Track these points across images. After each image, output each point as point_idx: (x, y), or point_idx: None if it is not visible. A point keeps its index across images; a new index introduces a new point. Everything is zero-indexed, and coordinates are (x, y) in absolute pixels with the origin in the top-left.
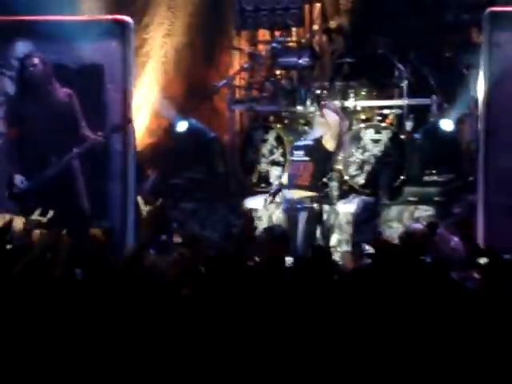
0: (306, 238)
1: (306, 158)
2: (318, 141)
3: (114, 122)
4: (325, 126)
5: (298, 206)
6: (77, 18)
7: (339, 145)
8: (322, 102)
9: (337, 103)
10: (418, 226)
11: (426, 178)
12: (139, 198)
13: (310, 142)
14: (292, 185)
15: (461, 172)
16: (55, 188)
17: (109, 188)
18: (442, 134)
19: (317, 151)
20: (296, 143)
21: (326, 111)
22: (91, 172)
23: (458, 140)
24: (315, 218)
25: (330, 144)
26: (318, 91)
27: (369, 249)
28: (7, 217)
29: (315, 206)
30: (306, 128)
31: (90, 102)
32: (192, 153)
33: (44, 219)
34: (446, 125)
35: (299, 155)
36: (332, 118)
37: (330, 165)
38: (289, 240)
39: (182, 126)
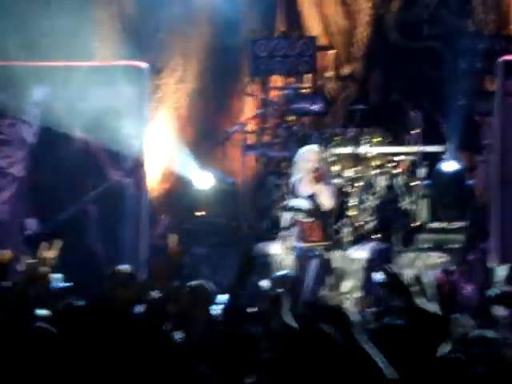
0: (316, 284)
1: (310, 220)
2: (314, 201)
3: (128, 166)
4: (316, 190)
5: (310, 253)
6: (92, 63)
7: (335, 201)
8: (317, 173)
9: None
10: (435, 273)
11: (439, 225)
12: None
13: (306, 205)
14: (304, 240)
15: (474, 219)
16: (69, 230)
17: (122, 231)
18: (448, 179)
19: (317, 211)
20: (293, 204)
21: (321, 187)
22: (105, 215)
23: (471, 187)
24: (326, 264)
25: (326, 203)
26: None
27: (380, 277)
28: (7, 254)
29: (326, 253)
30: None
31: (107, 145)
32: (205, 198)
33: (51, 256)
34: (449, 166)
35: (301, 217)
36: (325, 195)
37: (332, 215)
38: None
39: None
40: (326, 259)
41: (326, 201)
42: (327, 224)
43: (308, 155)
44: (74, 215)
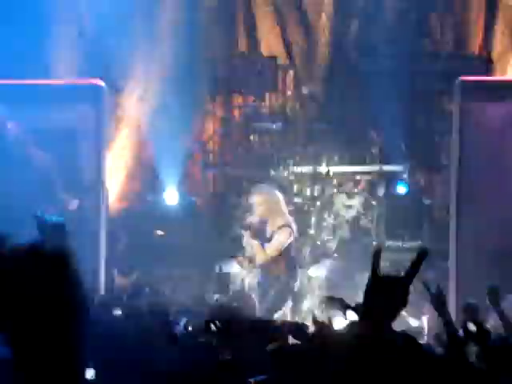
0: (274, 305)
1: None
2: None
3: (87, 186)
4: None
5: (272, 276)
6: (51, 82)
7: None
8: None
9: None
10: None
11: (397, 244)
12: None
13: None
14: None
15: (432, 238)
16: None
17: (80, 251)
18: (405, 199)
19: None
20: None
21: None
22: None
23: (429, 206)
24: (286, 286)
25: (279, 239)
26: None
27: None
28: None
29: (288, 277)
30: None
31: (64, 165)
32: (166, 216)
33: None
34: (400, 189)
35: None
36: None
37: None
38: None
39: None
40: (287, 281)
41: (272, 249)
42: (289, 257)
43: (257, 200)
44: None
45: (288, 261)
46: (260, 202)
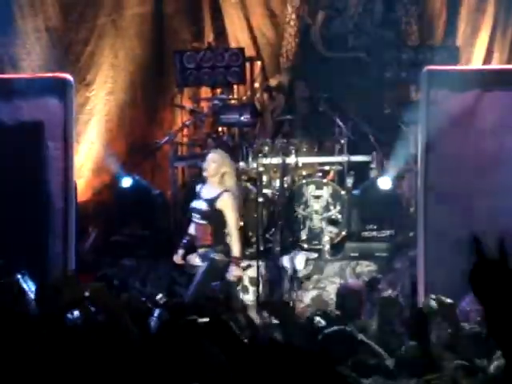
0: (197, 289)
1: (204, 222)
2: (212, 203)
3: (56, 179)
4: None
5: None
6: (17, 76)
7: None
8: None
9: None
10: (355, 282)
11: (367, 234)
12: None
13: (204, 207)
14: (198, 245)
15: (401, 227)
16: None
17: (49, 245)
18: (381, 189)
19: (211, 214)
20: (193, 205)
21: (224, 192)
22: (32, 228)
23: (398, 196)
24: (215, 270)
25: (226, 206)
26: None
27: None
28: None
29: (218, 258)
30: (248, 184)
31: (30, 159)
32: (134, 209)
33: None
34: (384, 183)
35: (197, 217)
36: (224, 201)
37: (226, 222)
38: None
39: (126, 183)
40: (217, 265)
41: (224, 206)
42: (219, 228)
43: (212, 158)
44: None
45: (217, 230)
46: (214, 159)
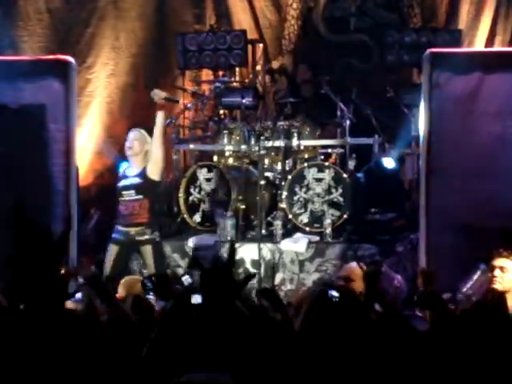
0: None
1: (140, 197)
2: (144, 175)
3: (57, 162)
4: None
5: (138, 238)
6: (18, 58)
7: (162, 171)
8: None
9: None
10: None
11: (369, 217)
12: None
13: (137, 180)
14: (129, 224)
15: (403, 211)
16: None
17: (52, 228)
18: (383, 173)
19: (147, 186)
20: (121, 184)
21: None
22: (34, 212)
23: (400, 179)
24: (159, 249)
25: (154, 174)
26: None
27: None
28: None
29: (157, 238)
30: (250, 167)
31: (32, 142)
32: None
33: None
34: (388, 163)
35: (131, 194)
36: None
37: (161, 193)
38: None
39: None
40: (159, 243)
41: (153, 170)
42: (156, 202)
43: (134, 136)
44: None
45: (153, 204)
46: (136, 137)
